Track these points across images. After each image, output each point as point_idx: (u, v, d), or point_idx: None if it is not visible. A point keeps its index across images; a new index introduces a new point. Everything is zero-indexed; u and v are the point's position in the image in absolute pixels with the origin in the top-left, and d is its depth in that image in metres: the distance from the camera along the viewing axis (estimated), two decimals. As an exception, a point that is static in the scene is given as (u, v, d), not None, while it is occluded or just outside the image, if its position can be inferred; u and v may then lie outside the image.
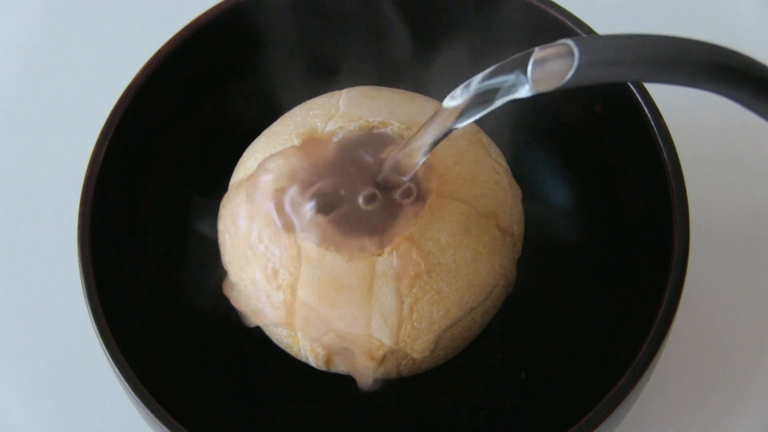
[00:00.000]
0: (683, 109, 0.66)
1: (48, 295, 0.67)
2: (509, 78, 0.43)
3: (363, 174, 0.53)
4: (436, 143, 0.50)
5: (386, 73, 0.63)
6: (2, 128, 0.74)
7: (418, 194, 0.53)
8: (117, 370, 0.50)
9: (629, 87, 0.55)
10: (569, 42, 0.40)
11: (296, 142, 0.55)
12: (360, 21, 0.63)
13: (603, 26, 0.59)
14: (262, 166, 0.55)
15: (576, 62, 0.40)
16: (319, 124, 0.55)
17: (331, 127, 0.55)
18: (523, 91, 0.43)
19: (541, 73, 0.41)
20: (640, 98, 0.55)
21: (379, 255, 0.52)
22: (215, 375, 0.60)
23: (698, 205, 0.58)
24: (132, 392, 0.50)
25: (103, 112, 0.57)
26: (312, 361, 0.55)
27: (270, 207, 0.53)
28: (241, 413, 0.57)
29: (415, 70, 0.63)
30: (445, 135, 0.49)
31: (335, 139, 0.54)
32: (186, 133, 0.62)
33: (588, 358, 0.58)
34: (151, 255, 0.61)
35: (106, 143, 0.56)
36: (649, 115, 0.55)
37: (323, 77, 0.63)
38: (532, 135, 0.64)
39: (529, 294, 0.58)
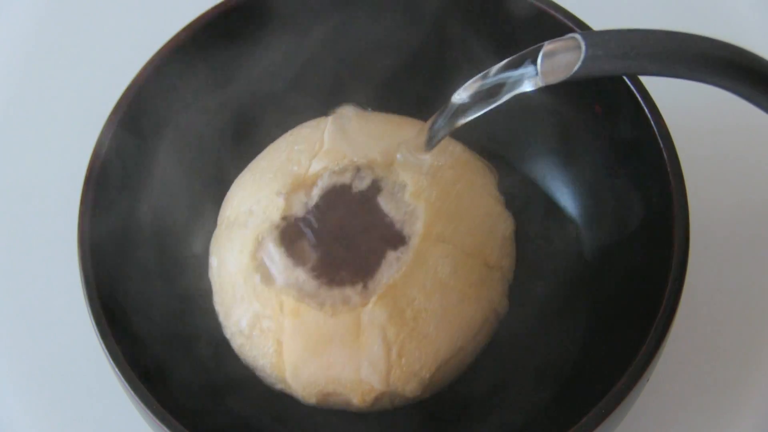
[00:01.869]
0: (684, 109, 0.66)
1: (48, 295, 0.67)
2: (516, 72, 0.44)
3: (347, 220, 0.53)
4: (443, 137, 0.50)
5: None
6: (2, 128, 0.74)
7: (402, 238, 0.53)
8: (117, 370, 0.50)
9: (629, 87, 0.55)
10: (577, 36, 0.41)
11: (280, 185, 0.55)
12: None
13: (601, 26, 0.59)
14: (247, 212, 0.55)
15: (583, 55, 0.41)
16: (303, 161, 0.55)
17: (315, 167, 0.55)
18: (531, 84, 0.44)
19: (550, 65, 0.43)
20: (640, 98, 0.55)
21: (364, 306, 0.51)
22: (215, 376, 0.60)
23: (698, 205, 0.58)
24: (132, 392, 0.50)
25: (104, 112, 0.57)
26: (304, 402, 0.55)
27: (250, 258, 0.53)
28: (240, 416, 0.57)
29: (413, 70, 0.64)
30: (454, 128, 0.49)
31: (320, 184, 0.54)
32: (186, 133, 0.62)
33: (587, 358, 0.58)
34: (151, 255, 0.60)
35: (107, 143, 0.56)
36: (649, 116, 0.54)
37: (325, 82, 0.63)
38: (530, 135, 0.64)
39: (527, 294, 0.58)
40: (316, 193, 0.55)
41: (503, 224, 0.56)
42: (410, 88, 0.63)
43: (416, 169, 0.53)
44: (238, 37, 0.61)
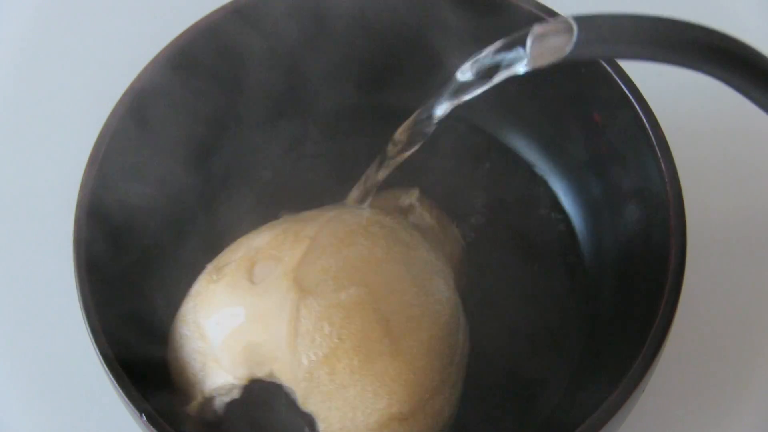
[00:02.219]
0: (681, 112, 0.66)
1: (47, 296, 0.67)
2: (509, 55, 0.44)
3: None
4: (442, 119, 0.50)
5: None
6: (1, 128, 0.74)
7: None
8: (112, 376, 0.51)
9: (628, 96, 0.55)
10: (569, 19, 0.41)
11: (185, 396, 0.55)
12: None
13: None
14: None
15: (575, 38, 0.41)
16: (196, 372, 0.53)
17: (210, 384, 0.53)
18: (522, 67, 0.44)
19: (540, 48, 0.42)
20: (638, 107, 0.55)
21: None
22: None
23: (697, 206, 0.58)
24: (125, 397, 0.50)
25: (102, 114, 0.57)
26: None
27: None
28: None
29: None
30: (450, 110, 0.50)
31: (217, 401, 0.54)
32: (185, 136, 0.63)
33: (583, 366, 0.58)
34: (147, 257, 0.61)
35: (104, 146, 0.56)
36: (647, 124, 0.54)
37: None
38: (530, 138, 0.64)
39: (524, 300, 0.58)
40: (219, 407, 0.54)
41: (407, 367, 0.52)
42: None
43: (293, 375, 0.51)
44: (240, 37, 0.61)
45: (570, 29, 0.41)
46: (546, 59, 0.43)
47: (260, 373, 0.52)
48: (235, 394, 0.53)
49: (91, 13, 0.78)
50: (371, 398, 0.50)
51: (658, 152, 0.53)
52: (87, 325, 0.51)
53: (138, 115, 0.58)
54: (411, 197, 0.60)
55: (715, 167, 0.69)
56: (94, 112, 0.60)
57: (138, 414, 0.49)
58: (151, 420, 0.49)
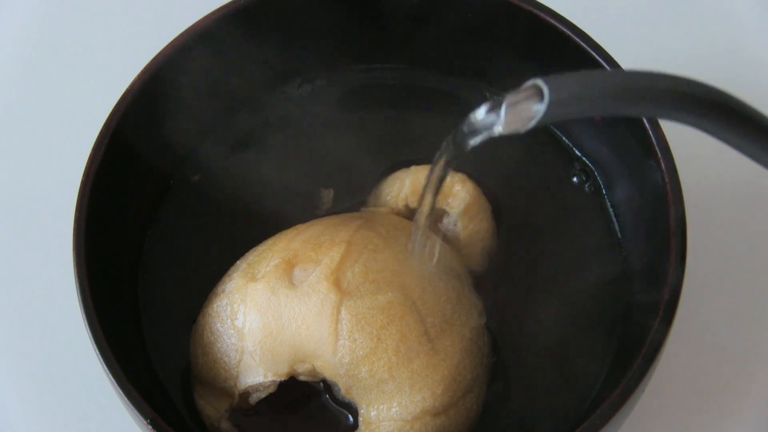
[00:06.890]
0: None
1: (47, 295, 0.67)
2: (489, 119, 0.44)
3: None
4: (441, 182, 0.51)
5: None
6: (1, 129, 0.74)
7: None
8: (111, 377, 0.51)
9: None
10: (539, 82, 0.41)
11: (216, 395, 0.56)
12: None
13: (602, 30, 0.59)
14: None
15: (546, 101, 0.41)
16: (229, 369, 0.55)
17: (244, 380, 0.55)
18: (497, 132, 0.44)
19: (513, 114, 0.42)
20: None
21: None
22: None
23: (697, 207, 0.58)
24: (125, 398, 0.50)
25: (102, 116, 0.57)
26: None
27: None
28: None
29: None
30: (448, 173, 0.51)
31: (255, 395, 0.55)
32: (184, 137, 0.63)
33: (582, 368, 0.58)
34: (149, 256, 0.61)
35: (103, 147, 0.56)
36: (647, 125, 0.54)
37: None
38: (532, 139, 0.64)
39: (523, 304, 0.58)
40: (254, 399, 0.56)
41: (444, 365, 0.54)
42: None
43: (335, 371, 0.54)
44: (238, 40, 0.61)
45: (541, 92, 0.41)
46: (520, 124, 0.43)
47: (301, 369, 0.54)
48: (272, 390, 0.55)
49: (91, 13, 0.78)
50: (408, 393, 0.53)
51: (658, 152, 0.53)
52: (87, 325, 0.51)
53: (138, 114, 0.57)
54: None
55: (715, 168, 0.69)
56: (94, 112, 0.61)
57: (143, 421, 0.49)
58: (156, 425, 0.49)
